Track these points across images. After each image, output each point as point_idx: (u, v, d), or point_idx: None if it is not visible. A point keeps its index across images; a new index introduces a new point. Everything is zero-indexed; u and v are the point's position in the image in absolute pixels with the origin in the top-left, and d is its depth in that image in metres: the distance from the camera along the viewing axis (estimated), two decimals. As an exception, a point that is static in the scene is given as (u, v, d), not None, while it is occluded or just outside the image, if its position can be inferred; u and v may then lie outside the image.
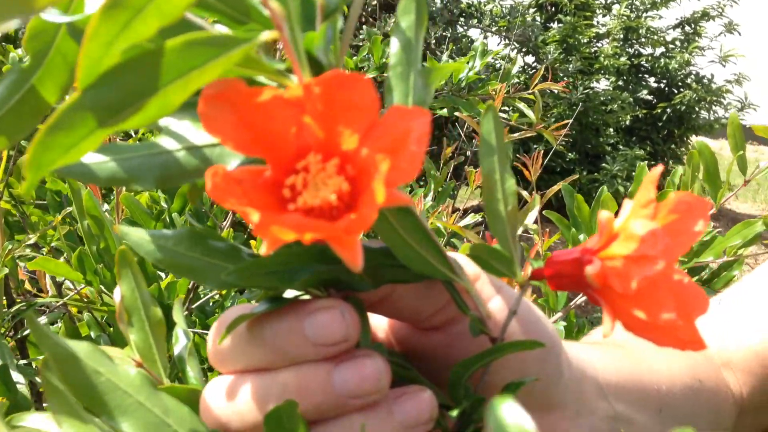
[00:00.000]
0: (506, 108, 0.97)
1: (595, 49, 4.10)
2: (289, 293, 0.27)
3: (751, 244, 0.59)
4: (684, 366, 0.47)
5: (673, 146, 4.02)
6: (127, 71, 0.16)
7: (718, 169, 0.66)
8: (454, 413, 0.30)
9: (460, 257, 0.30)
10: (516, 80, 3.23)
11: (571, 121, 1.01)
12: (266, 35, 0.17)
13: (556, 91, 3.97)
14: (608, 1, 4.26)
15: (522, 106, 0.93)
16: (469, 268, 0.30)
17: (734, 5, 4.09)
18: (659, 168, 0.27)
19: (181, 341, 0.32)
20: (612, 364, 0.40)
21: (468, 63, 0.93)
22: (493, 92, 0.87)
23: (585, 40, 3.97)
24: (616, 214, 0.28)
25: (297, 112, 0.20)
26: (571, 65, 3.77)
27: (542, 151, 0.82)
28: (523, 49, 4.06)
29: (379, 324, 0.32)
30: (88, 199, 0.45)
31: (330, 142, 0.20)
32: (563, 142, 4.01)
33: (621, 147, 4.00)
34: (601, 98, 3.93)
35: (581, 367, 0.36)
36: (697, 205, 0.27)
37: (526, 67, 4.16)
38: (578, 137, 3.96)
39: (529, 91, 0.95)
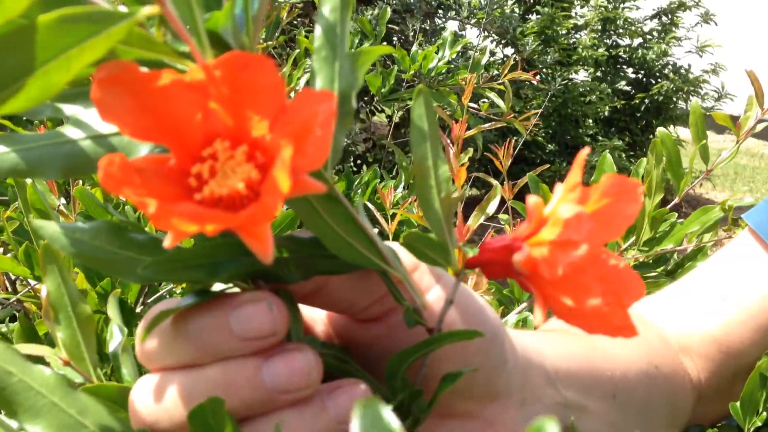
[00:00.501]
0: (488, 96, 0.96)
1: (574, 40, 4.11)
2: (217, 286, 0.26)
3: (710, 231, 0.59)
4: (640, 352, 0.46)
5: (651, 136, 4.04)
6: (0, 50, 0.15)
7: (680, 158, 0.66)
8: (390, 406, 0.29)
9: (398, 247, 0.29)
10: (496, 72, 3.24)
11: (541, 110, 1.01)
12: (147, 10, 0.16)
13: (535, 83, 3.98)
14: (585, -5, 4.27)
15: (493, 96, 0.92)
16: (408, 258, 0.29)
17: (711, -5, 4.12)
18: (586, 149, 0.27)
19: (115, 338, 0.31)
20: (563, 351, 0.40)
21: (437, 52, 0.92)
22: (463, 82, 0.87)
23: (563, 32, 3.97)
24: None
25: (201, 96, 0.19)
26: (549, 56, 3.78)
27: (513, 141, 0.81)
28: (502, 41, 4.06)
29: (319, 316, 0.32)
30: (32, 193, 0.44)
31: (238, 128, 0.19)
32: (543, 134, 4.01)
33: (600, 138, 4.02)
34: (580, 89, 3.94)
35: (527, 355, 0.35)
36: (629, 188, 0.27)
37: (505, 58, 4.16)
38: (558, 128, 3.97)
39: (499, 81, 0.95)
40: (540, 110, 0.93)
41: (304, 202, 0.25)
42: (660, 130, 0.67)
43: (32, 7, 0.15)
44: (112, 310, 0.30)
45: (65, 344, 0.28)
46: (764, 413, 0.48)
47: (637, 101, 4.04)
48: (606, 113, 4.06)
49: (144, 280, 0.24)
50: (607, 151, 0.66)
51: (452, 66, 0.91)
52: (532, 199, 0.26)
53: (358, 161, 3.17)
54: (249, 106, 0.19)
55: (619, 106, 4.07)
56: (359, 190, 0.81)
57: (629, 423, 0.39)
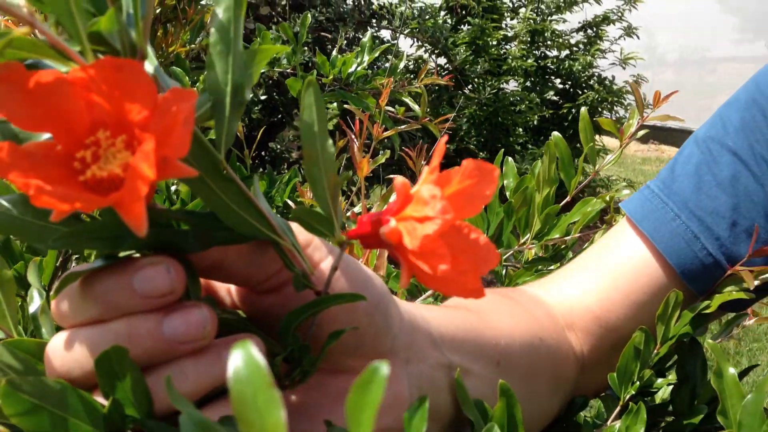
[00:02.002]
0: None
1: (504, 51, 4.23)
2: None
3: (592, 222, 0.65)
4: (526, 326, 0.51)
5: (578, 145, 4.20)
6: None
7: (571, 160, 0.72)
8: (280, 358, 0.33)
9: (294, 224, 0.33)
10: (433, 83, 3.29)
11: (453, 115, 1.06)
12: (20, 30, 0.20)
13: (466, 92, 4.08)
14: (515, 5, 4.40)
15: (408, 100, 0.98)
16: (303, 234, 0.33)
17: (633, 10, 4.31)
18: (444, 138, 0.31)
19: (35, 301, 0.34)
20: (450, 321, 0.44)
21: (356, 58, 0.97)
22: (381, 86, 0.92)
23: (493, 42, 4.09)
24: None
25: (84, 92, 0.22)
26: (480, 66, 3.88)
27: (425, 144, 0.86)
28: (435, 51, 4.15)
29: (230, 289, 0.35)
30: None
31: (118, 120, 0.23)
32: (475, 142, 4.12)
33: (530, 146, 4.15)
34: (511, 99, 4.06)
35: (413, 321, 0.39)
36: (487, 171, 0.32)
37: (438, 68, 4.25)
38: (489, 137, 4.08)
39: (416, 86, 1.00)
40: (453, 114, 0.99)
41: (201, 182, 0.28)
42: (554, 134, 0.73)
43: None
44: (32, 276, 0.33)
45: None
46: (638, 382, 0.54)
47: (565, 111, 4.18)
48: (535, 122, 4.19)
49: (56, 248, 0.28)
50: (502, 151, 0.72)
51: (369, 72, 0.97)
52: (398, 180, 0.30)
53: (295, 167, 3.18)
54: (125, 101, 0.22)
55: (547, 116, 4.21)
56: (280, 189, 0.85)
57: (513, 387, 0.43)
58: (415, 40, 3.89)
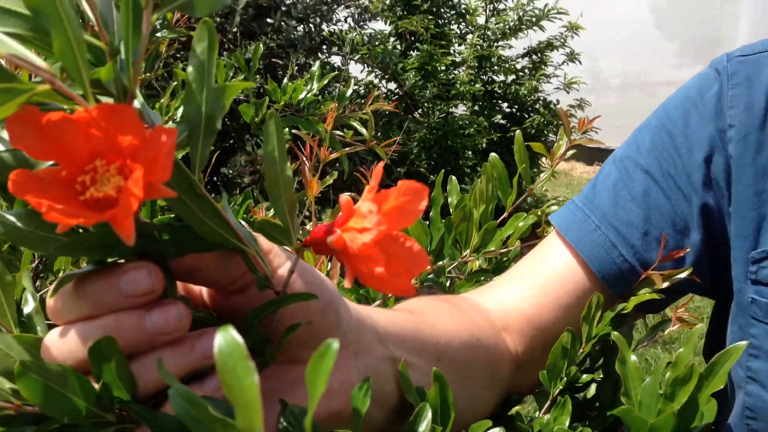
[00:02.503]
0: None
1: (452, 76, 4.35)
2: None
3: (524, 235, 0.72)
4: (464, 327, 0.57)
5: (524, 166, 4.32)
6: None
7: (508, 179, 0.79)
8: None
9: (258, 235, 0.39)
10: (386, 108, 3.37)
11: (399, 138, 1.13)
12: (42, 87, 0.25)
13: (416, 116, 4.18)
14: (463, 32, 4.53)
15: (356, 124, 1.03)
16: (266, 242, 0.39)
17: (575, 36, 4.48)
18: (382, 163, 0.37)
19: (30, 303, 0.38)
20: (394, 321, 0.50)
21: (306, 85, 1.03)
22: (328, 112, 0.97)
23: (442, 68, 4.20)
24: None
25: (85, 128, 0.27)
26: (428, 91, 3.98)
27: (380, 165, 0.92)
28: (385, 76, 4.24)
29: (202, 290, 0.40)
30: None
31: (113, 151, 0.28)
32: (425, 165, 4.21)
33: (479, 169, 4.25)
34: (460, 123, 4.17)
35: (361, 319, 0.45)
36: (419, 190, 0.37)
37: (388, 92, 4.34)
38: (439, 160, 4.17)
39: (363, 111, 1.06)
40: (398, 138, 1.06)
41: (179, 200, 0.33)
42: (492, 155, 0.80)
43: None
44: (26, 281, 0.38)
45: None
46: (565, 378, 0.60)
47: (512, 134, 4.31)
48: (484, 145, 4.30)
49: (56, 255, 0.32)
50: (451, 176, 0.79)
51: (319, 98, 1.02)
52: (343, 198, 0.36)
53: (248, 190, 3.21)
54: (118, 136, 0.27)
55: (495, 139, 4.33)
56: (234, 210, 0.89)
57: (452, 382, 0.49)
58: (366, 65, 3.97)
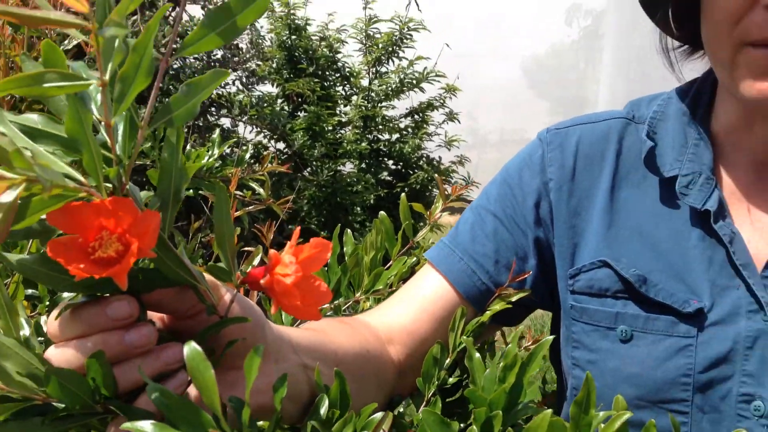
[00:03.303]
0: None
1: (339, 135, 4.54)
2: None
3: (405, 275, 0.86)
4: (357, 342, 0.71)
5: (411, 221, 4.54)
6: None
7: (393, 233, 0.93)
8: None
9: (207, 275, 0.51)
10: (270, 164, 3.47)
11: (293, 197, 1.26)
12: (82, 194, 0.37)
13: (305, 175, 4.32)
14: (348, 93, 4.76)
15: (255, 185, 1.15)
16: (213, 280, 0.50)
17: (454, 97, 4.80)
18: (298, 229, 0.50)
19: (25, 327, 0.48)
20: (304, 337, 0.63)
21: (208, 151, 1.14)
22: (230, 174, 1.09)
23: (329, 128, 4.38)
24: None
25: (98, 211, 0.38)
26: (317, 150, 4.14)
27: (273, 222, 1.04)
28: (274, 136, 4.37)
29: (163, 317, 0.51)
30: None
31: (116, 226, 0.39)
32: (315, 222, 4.33)
33: (368, 224, 4.43)
34: (348, 180, 4.34)
35: (280, 335, 0.57)
36: (325, 244, 0.51)
37: (278, 152, 4.47)
38: (329, 216, 4.32)
39: (260, 173, 1.18)
40: (292, 196, 1.18)
41: (155, 252, 0.45)
42: (381, 213, 0.95)
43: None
44: (21, 310, 0.47)
45: (3, 327, 0.45)
46: (436, 382, 0.73)
47: (398, 189, 4.53)
48: (372, 201, 4.49)
49: (66, 292, 0.43)
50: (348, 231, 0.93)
51: (219, 162, 1.13)
52: (272, 252, 0.49)
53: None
54: (119, 217, 0.39)
55: (382, 195, 4.53)
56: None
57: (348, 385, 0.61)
58: (255, 126, 4.09)
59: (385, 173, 4.64)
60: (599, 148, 0.87)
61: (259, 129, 4.26)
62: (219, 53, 3.74)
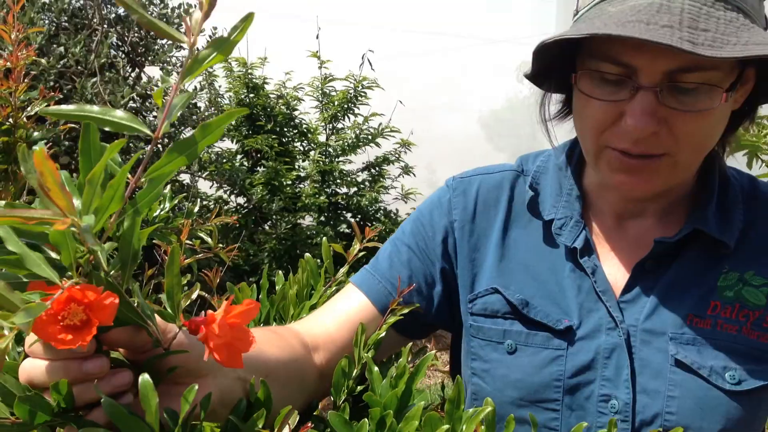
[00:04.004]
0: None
1: (298, 189, 4.69)
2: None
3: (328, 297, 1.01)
4: (285, 352, 0.84)
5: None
6: None
7: (318, 274, 1.07)
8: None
9: (157, 316, 0.64)
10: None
11: (238, 244, 1.40)
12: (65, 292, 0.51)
13: (265, 228, 4.45)
14: (306, 148, 4.93)
15: (204, 235, 1.29)
16: (161, 321, 0.64)
17: (408, 152, 5.00)
18: (231, 296, 0.65)
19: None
20: None
21: (160, 205, 1.27)
22: (181, 225, 1.22)
23: (288, 182, 4.54)
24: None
25: (68, 292, 0.52)
26: (275, 204, 4.28)
27: (219, 268, 1.18)
28: (234, 191, 4.50)
29: (120, 350, 0.64)
30: None
31: (81, 301, 0.53)
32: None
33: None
34: (307, 233, 4.48)
35: None
36: (256, 304, 0.64)
37: (238, 206, 4.61)
38: (289, 269, 4.42)
39: (208, 224, 1.33)
40: (237, 244, 1.32)
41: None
42: (306, 255, 1.09)
43: None
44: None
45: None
46: (345, 390, 0.85)
47: (356, 241, 4.67)
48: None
49: None
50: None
51: (171, 214, 1.27)
52: (209, 313, 0.63)
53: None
54: (85, 295, 0.53)
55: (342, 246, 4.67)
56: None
57: (274, 390, 0.73)
58: (214, 182, 4.23)
59: (344, 225, 4.79)
60: (495, 195, 1.04)
61: (218, 184, 4.40)
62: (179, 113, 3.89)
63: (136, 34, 3.68)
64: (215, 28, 4.25)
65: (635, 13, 0.77)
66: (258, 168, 4.69)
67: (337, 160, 4.82)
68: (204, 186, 4.58)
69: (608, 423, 0.79)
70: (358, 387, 0.85)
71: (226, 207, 4.60)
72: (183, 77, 0.57)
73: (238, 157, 4.72)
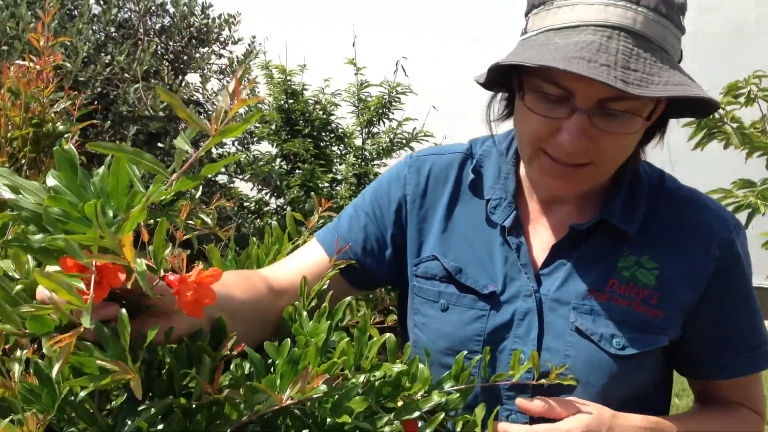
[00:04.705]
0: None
1: (334, 191, 4.88)
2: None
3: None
4: (252, 294, 1.02)
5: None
6: None
7: (282, 236, 1.24)
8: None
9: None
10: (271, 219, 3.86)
11: (235, 224, 1.58)
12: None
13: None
14: (343, 152, 5.12)
15: (204, 216, 1.48)
16: (151, 276, 0.81)
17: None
18: (200, 264, 0.83)
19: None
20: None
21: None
22: (182, 206, 1.41)
23: (324, 184, 4.73)
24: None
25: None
26: (307, 204, 4.49)
27: (218, 244, 1.36)
28: (274, 193, 4.73)
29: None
30: None
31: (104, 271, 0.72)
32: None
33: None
34: (343, 233, 4.66)
35: None
36: (219, 271, 0.81)
37: (278, 208, 4.83)
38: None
39: (209, 208, 1.52)
40: (234, 225, 1.51)
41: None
42: (273, 222, 1.26)
43: None
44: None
45: None
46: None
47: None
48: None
49: None
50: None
51: (176, 198, 1.46)
52: (183, 274, 0.80)
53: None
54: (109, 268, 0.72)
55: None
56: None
57: (239, 328, 0.90)
58: (253, 183, 4.46)
59: (378, 227, 4.96)
60: (444, 174, 1.21)
61: (258, 186, 4.62)
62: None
63: (178, 44, 3.94)
64: (254, 37, 4.50)
65: (579, 49, 0.92)
66: (295, 171, 4.90)
67: (372, 163, 5.00)
68: (245, 188, 4.82)
69: (512, 355, 0.95)
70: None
71: (266, 208, 4.83)
72: (201, 151, 0.79)
73: (278, 160, 4.95)
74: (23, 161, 1.39)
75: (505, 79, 1.08)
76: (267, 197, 4.82)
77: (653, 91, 0.91)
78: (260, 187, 4.67)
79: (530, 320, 1.10)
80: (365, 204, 1.24)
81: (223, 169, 4.06)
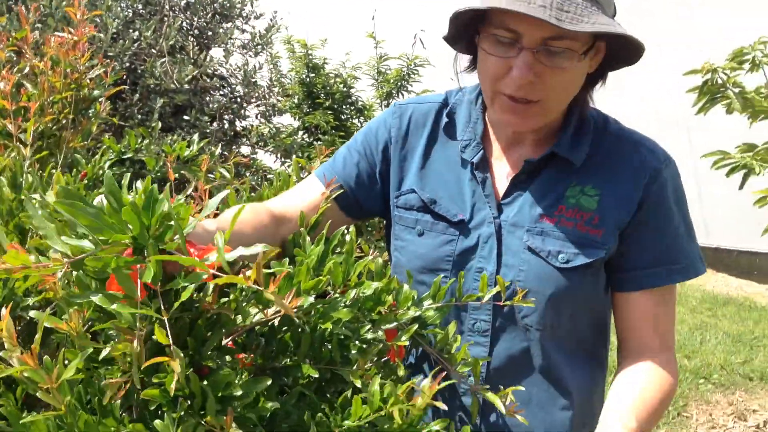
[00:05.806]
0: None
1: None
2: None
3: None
4: (257, 224, 1.19)
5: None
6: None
7: (288, 179, 1.43)
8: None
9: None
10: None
11: (250, 176, 1.78)
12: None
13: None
14: (363, 125, 5.31)
15: (224, 171, 1.67)
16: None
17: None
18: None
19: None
20: (222, 228, 1.12)
21: (188, 146, 1.68)
22: (202, 161, 1.61)
23: (344, 156, 4.92)
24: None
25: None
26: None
27: (236, 192, 1.56)
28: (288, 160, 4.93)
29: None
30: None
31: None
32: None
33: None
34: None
35: (209, 233, 1.08)
36: (211, 249, 1.01)
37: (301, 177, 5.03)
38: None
39: (228, 163, 1.71)
40: (248, 177, 1.71)
41: None
42: (280, 169, 1.45)
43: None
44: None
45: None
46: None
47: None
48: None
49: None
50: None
51: (197, 154, 1.66)
52: (203, 249, 1.00)
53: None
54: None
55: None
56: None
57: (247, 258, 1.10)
58: (273, 154, 4.67)
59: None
60: (423, 120, 1.43)
61: (280, 158, 4.83)
62: (241, 90, 4.34)
63: (202, 20, 4.14)
64: (276, 12, 4.68)
65: None
66: (316, 142, 5.10)
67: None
68: (269, 160, 5.03)
69: (480, 279, 1.14)
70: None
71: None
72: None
73: (300, 132, 5.15)
74: (64, 121, 1.60)
75: (468, 36, 1.28)
76: (290, 170, 5.03)
77: (583, 27, 1.10)
78: (282, 159, 4.88)
79: (492, 243, 1.30)
80: (357, 145, 1.42)
81: (246, 141, 4.27)
